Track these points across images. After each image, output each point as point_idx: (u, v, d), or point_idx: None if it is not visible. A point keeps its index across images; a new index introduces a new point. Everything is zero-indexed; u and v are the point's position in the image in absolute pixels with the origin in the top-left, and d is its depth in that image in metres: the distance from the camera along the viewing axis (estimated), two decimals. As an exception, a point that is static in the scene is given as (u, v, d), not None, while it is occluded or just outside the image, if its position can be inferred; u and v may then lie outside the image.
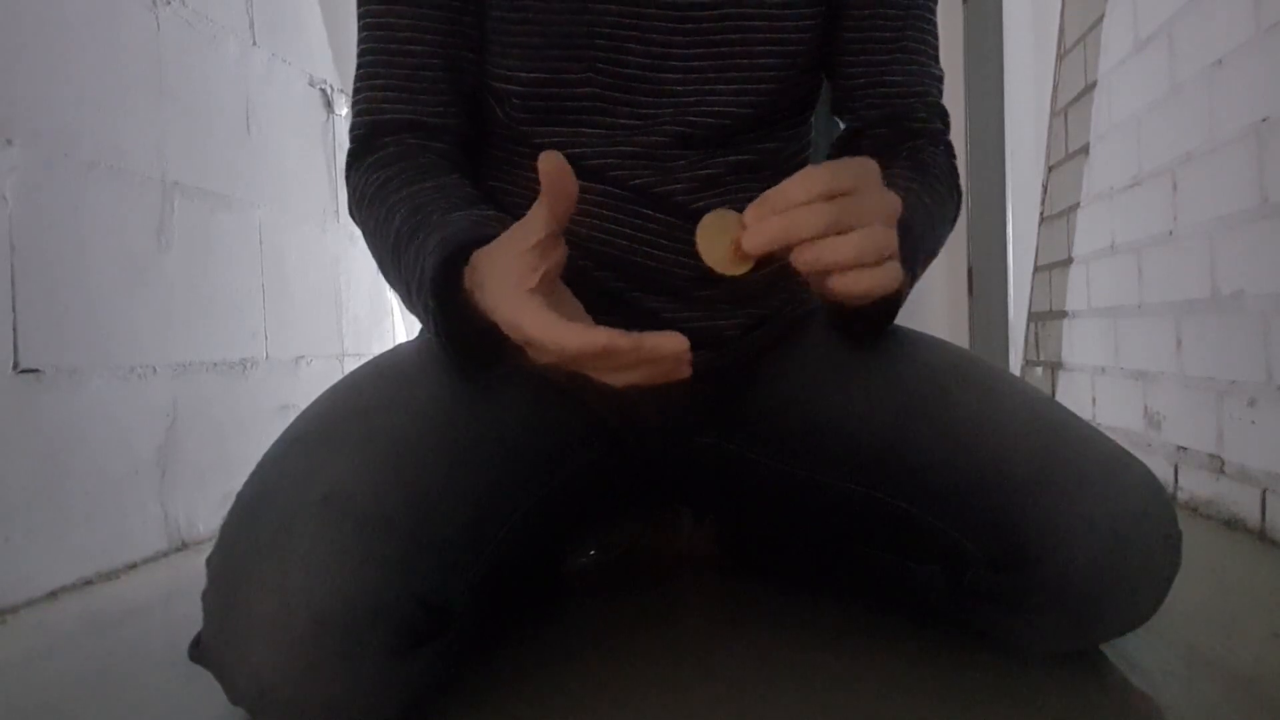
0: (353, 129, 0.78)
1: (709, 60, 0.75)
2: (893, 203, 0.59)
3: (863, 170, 0.59)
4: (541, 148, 0.76)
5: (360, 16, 0.77)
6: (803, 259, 0.57)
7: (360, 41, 0.77)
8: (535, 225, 0.56)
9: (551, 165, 0.55)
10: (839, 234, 0.56)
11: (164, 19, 1.18)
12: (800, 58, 0.77)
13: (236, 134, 1.35)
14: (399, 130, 0.75)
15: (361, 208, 0.75)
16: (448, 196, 0.69)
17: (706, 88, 0.75)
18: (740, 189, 0.78)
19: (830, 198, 0.56)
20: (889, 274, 0.58)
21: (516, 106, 0.76)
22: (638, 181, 0.76)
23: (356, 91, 0.78)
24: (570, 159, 0.76)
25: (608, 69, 0.74)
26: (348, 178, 0.77)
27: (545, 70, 0.74)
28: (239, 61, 1.36)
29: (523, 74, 0.75)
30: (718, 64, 0.75)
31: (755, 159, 0.79)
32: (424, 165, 0.73)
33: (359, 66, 0.77)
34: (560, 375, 0.62)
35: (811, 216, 0.56)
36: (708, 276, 0.70)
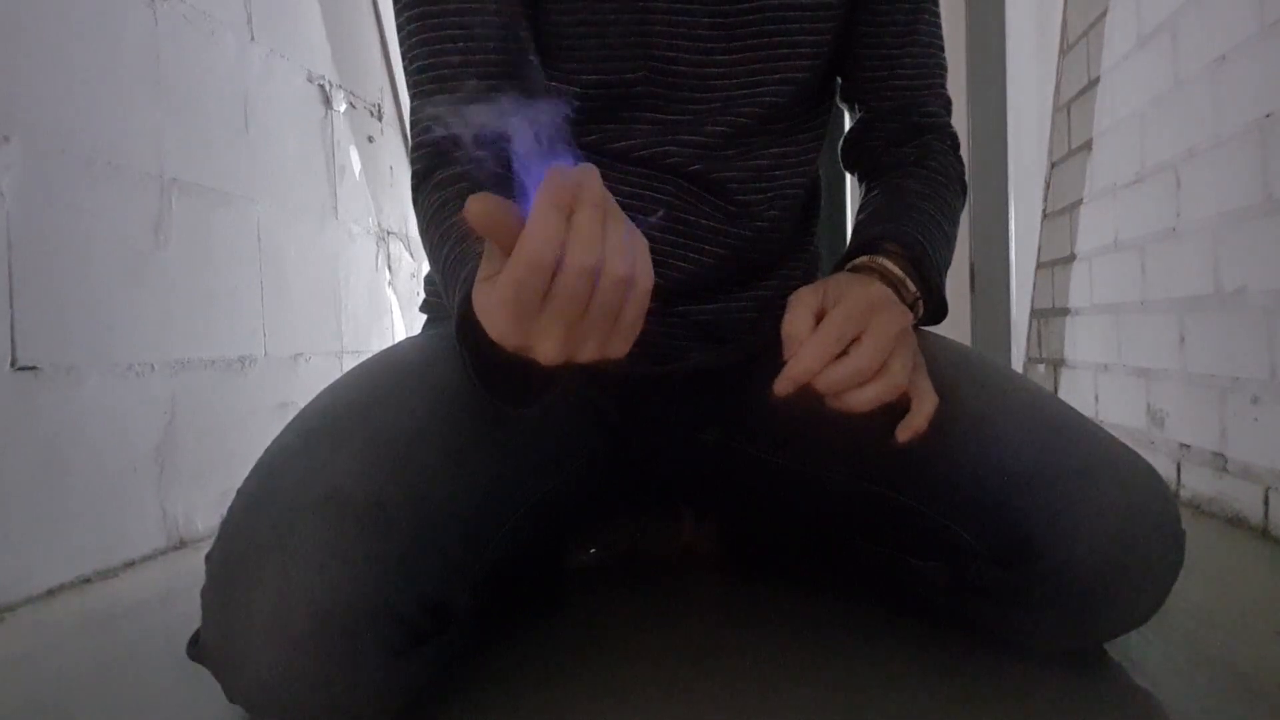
0: (416, 149, 0.74)
1: (752, 51, 0.76)
2: (902, 321, 0.63)
3: (866, 307, 0.63)
4: (589, 144, 0.76)
5: (410, 34, 0.73)
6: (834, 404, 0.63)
7: (413, 59, 0.73)
8: (488, 265, 0.51)
9: (477, 210, 0.48)
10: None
11: (161, 15, 1.18)
12: (828, 46, 0.79)
13: (234, 130, 1.35)
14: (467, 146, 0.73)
15: (422, 234, 0.72)
16: None
17: (752, 80, 0.76)
18: (787, 180, 0.80)
19: (845, 352, 0.61)
20: (888, 382, 0.62)
21: (574, 108, 0.75)
22: (696, 168, 0.77)
23: (415, 112, 0.74)
24: (621, 151, 0.76)
25: (661, 66, 0.74)
26: (414, 203, 0.74)
27: (605, 71, 0.74)
28: (237, 57, 1.35)
29: (584, 76, 0.74)
30: (762, 54, 0.76)
31: (793, 149, 0.81)
32: (484, 180, 0.69)
33: (416, 85, 0.74)
34: (572, 373, 0.59)
35: (838, 373, 0.62)
36: (733, 279, 0.78)
